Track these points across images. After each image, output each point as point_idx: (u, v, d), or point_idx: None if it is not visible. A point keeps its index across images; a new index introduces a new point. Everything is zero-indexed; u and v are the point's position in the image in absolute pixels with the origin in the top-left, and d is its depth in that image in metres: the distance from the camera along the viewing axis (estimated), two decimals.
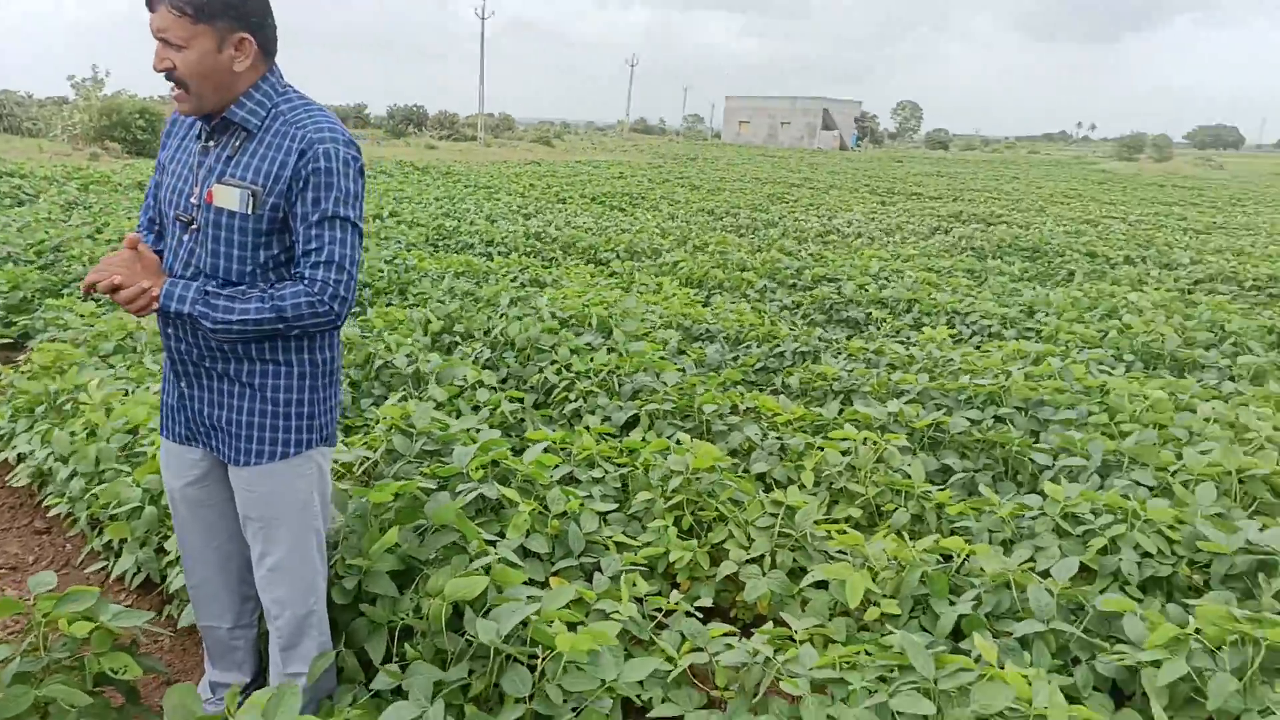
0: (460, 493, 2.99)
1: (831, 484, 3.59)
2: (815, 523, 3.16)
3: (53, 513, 3.61)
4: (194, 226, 2.06)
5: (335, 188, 2.00)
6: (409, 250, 8.79)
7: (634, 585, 2.72)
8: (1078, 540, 2.87)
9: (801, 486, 3.57)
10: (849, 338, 6.46)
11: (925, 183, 25.87)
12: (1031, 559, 2.83)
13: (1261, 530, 2.77)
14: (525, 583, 2.58)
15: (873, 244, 11.64)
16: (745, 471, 3.79)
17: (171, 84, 1.97)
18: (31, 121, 30.52)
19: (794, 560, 3.03)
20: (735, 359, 5.63)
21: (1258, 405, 4.53)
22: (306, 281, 1.99)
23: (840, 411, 4.38)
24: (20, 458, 3.99)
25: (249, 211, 1.99)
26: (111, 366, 4.72)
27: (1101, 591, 2.66)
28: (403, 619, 2.34)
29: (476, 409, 4.17)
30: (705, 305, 7.00)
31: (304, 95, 2.09)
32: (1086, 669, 2.33)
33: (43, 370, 4.52)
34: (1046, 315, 6.57)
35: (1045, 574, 2.73)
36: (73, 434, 3.72)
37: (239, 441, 2.15)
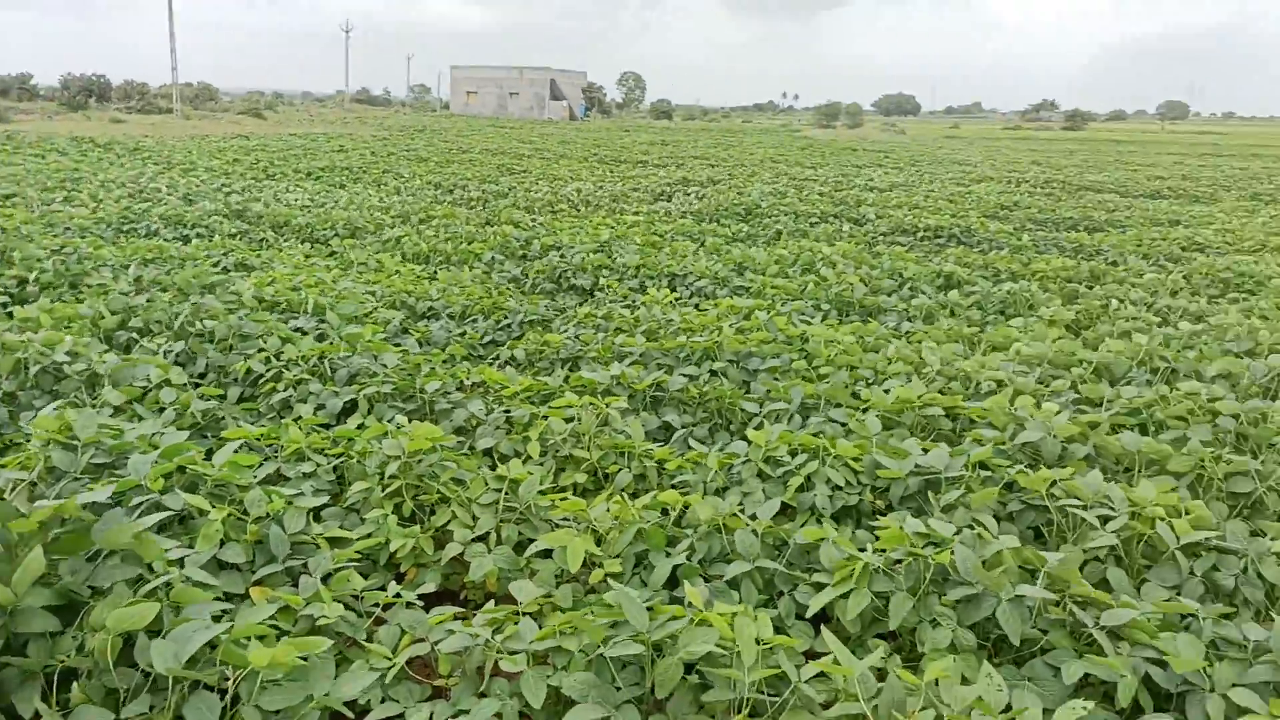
0: (139, 507, 2.67)
1: (557, 452, 3.60)
2: (540, 493, 3.15)
3: None
4: None
5: None
6: (82, 237, 7.76)
7: (348, 582, 2.57)
8: (778, 481, 3.07)
9: (527, 459, 3.55)
10: (579, 305, 6.53)
11: (651, 151, 26.78)
12: (740, 503, 3.00)
13: (925, 453, 3.10)
14: (219, 598, 2.34)
15: (599, 211, 11.85)
16: (471, 449, 3.71)
17: None
18: None
19: (519, 533, 3.01)
20: (463, 334, 5.51)
21: (928, 341, 5.12)
22: None
23: (566, 379, 4.41)
24: None
25: None
26: None
27: (802, 525, 2.87)
28: (62, 661, 2.03)
29: (161, 410, 3.75)
30: (431, 281, 6.78)
31: None
32: (789, 600, 2.50)
33: None
34: (755, 273, 7.01)
35: (754, 517, 2.90)
36: None
37: None
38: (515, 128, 44.21)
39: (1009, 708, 1.97)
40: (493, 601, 2.65)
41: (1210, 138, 56.47)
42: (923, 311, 6.11)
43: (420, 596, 2.62)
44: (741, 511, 2.93)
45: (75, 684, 2.02)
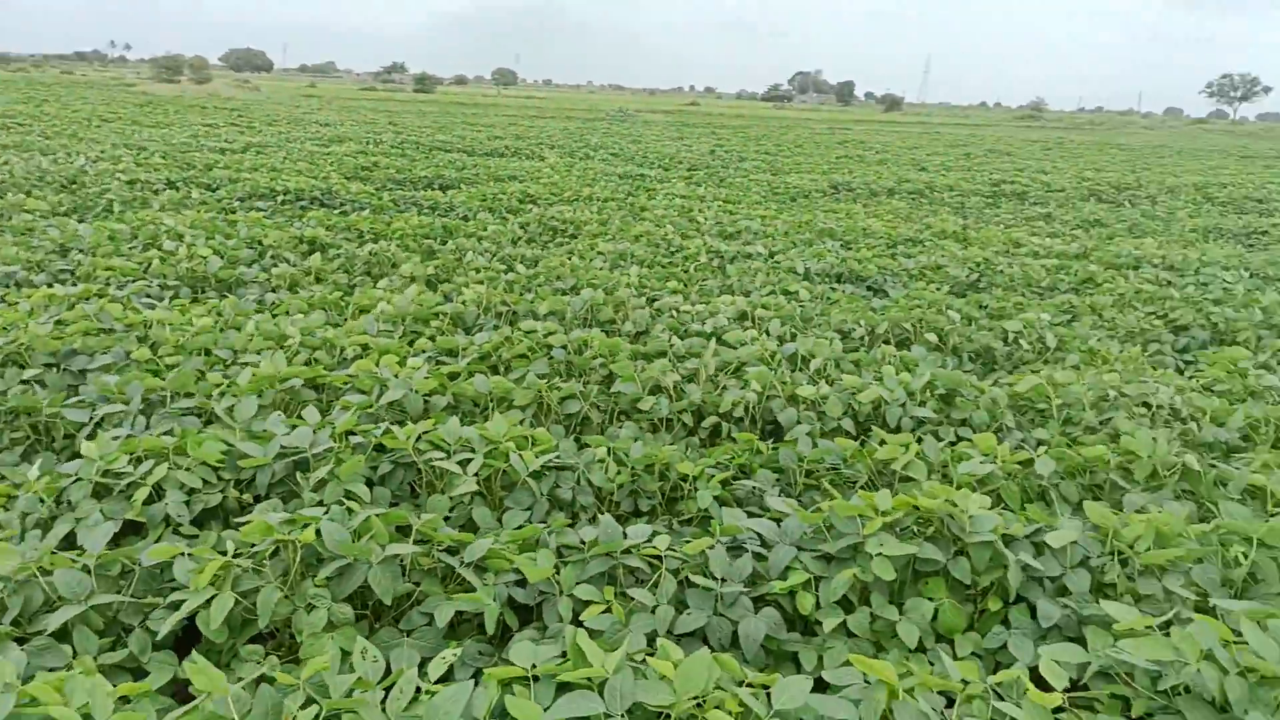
0: None
1: None
2: None
3: None
4: None
5: None
6: None
7: None
8: (121, 497, 2.68)
9: None
10: None
11: None
12: (71, 532, 2.54)
13: (290, 432, 3.00)
14: None
15: None
16: None
17: None
18: None
19: None
20: None
21: (295, 313, 4.95)
22: None
23: None
24: None
25: None
26: None
27: (156, 542, 2.55)
28: None
29: None
30: None
31: None
32: (143, 633, 2.20)
33: None
34: (82, 253, 6.01)
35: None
36: None
37: None
38: None
39: (388, 673, 2.01)
40: None
41: (536, 101, 64.85)
42: (286, 280, 5.90)
43: None
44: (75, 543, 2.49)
45: None
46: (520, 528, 2.79)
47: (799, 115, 65.70)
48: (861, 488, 3.21)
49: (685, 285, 6.38)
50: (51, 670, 1.99)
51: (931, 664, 2.29)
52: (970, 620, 2.50)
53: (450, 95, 73.43)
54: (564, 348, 4.50)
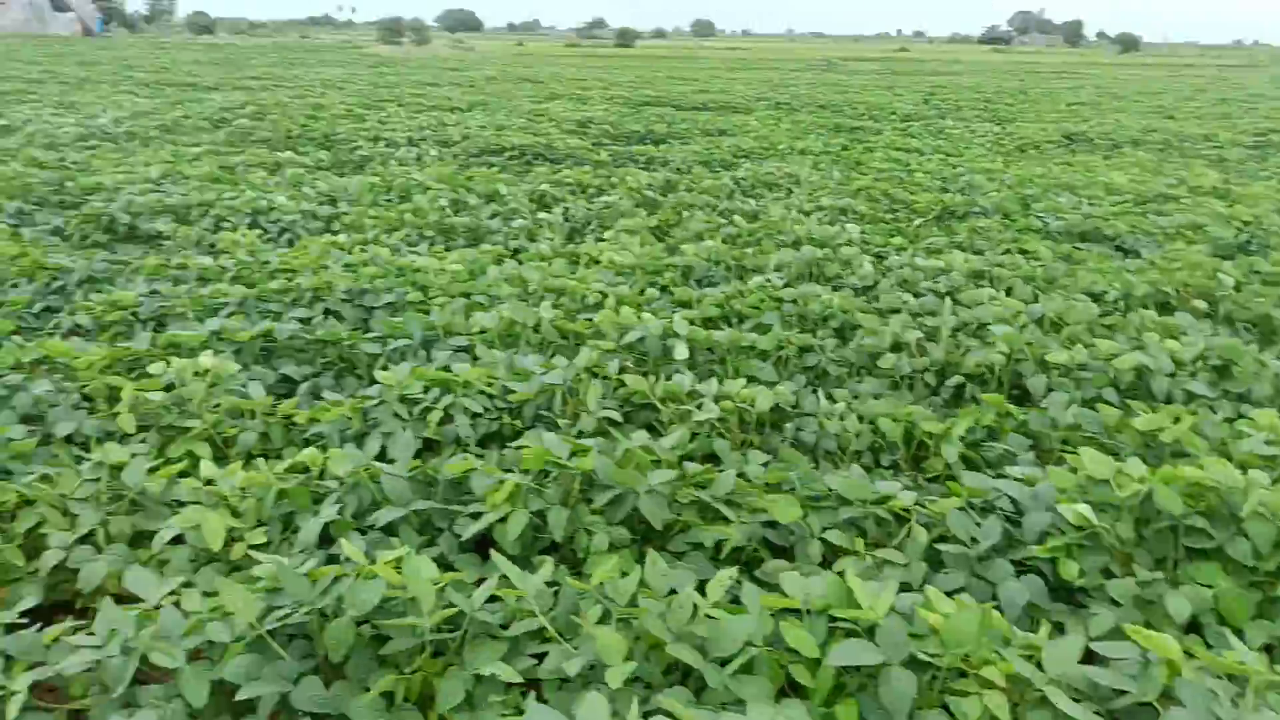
0: None
1: (159, 424, 3.19)
2: (149, 473, 2.79)
3: None
4: None
5: None
6: None
7: None
8: (417, 419, 3.04)
9: (124, 437, 3.11)
10: (144, 255, 5.72)
11: (199, 72, 23.81)
12: (383, 447, 2.92)
13: (545, 373, 3.27)
14: None
15: (150, 145, 10.37)
16: (48, 438, 3.15)
17: None
18: None
19: (133, 525, 2.65)
20: (13, 305, 4.56)
21: (535, 261, 5.31)
22: None
23: (154, 342, 3.88)
24: None
25: None
26: None
27: (449, 458, 2.88)
28: None
29: None
30: None
31: None
32: (449, 535, 2.52)
33: None
34: (349, 204, 6.67)
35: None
36: None
37: None
38: (6, 47, 36.51)
39: (673, 591, 2.20)
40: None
41: (736, 53, 64.12)
42: (524, 233, 6.29)
43: (26, 613, 2.22)
44: (385, 455, 2.87)
45: None
46: (766, 465, 2.91)
47: (1023, 59, 61.22)
48: None
49: (911, 242, 6.24)
50: None
51: (1210, 645, 2.20)
52: (1258, 607, 2.37)
53: (651, 49, 73.99)
54: (794, 301, 4.56)
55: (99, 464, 2.74)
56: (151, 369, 3.35)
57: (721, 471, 2.72)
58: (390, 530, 2.49)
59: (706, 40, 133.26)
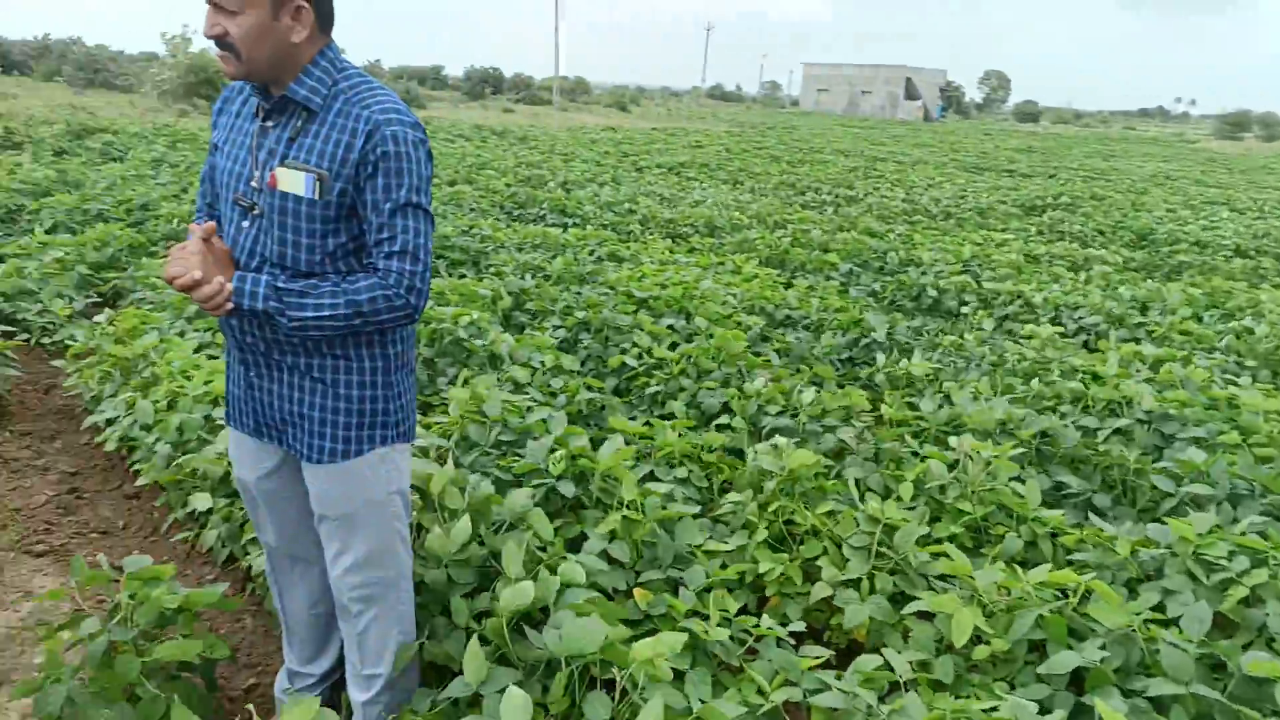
0: (539, 487, 2.90)
1: (931, 498, 3.35)
2: (917, 543, 2.93)
3: (140, 481, 3.60)
4: (255, 212, 1.95)
5: (406, 173, 1.88)
6: (484, 219, 8.69)
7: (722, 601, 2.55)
8: (1214, 588, 2.59)
9: (899, 500, 3.33)
10: (939, 331, 6.13)
11: (1017, 159, 24.84)
12: (1160, 604, 2.56)
13: None
14: (600, 590, 2.47)
15: (962, 226, 11.14)
16: (838, 476, 3.57)
17: (221, 50, 1.83)
18: (124, 77, 31.33)
19: (894, 584, 2.82)
20: (826, 352, 5.35)
21: None
22: (380, 273, 1.89)
23: (940, 408, 4.10)
24: (109, 422, 3.99)
25: (316, 196, 1.88)
26: (198, 331, 4.71)
27: (1244, 649, 2.39)
28: (479, 629, 2.24)
29: (554, 395, 4.02)
30: (787, 288, 6.71)
31: (362, 72, 1.97)
32: None
33: (127, 334, 4.52)
34: (1160, 314, 6.11)
35: (1168, 624, 2.46)
36: (155, 403, 3.69)
37: (311, 438, 2.04)
38: (866, 128, 43.24)
39: None
40: (863, 654, 2.49)
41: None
42: None
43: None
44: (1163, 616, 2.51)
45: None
46: None
47: None
48: None
49: None
50: None
51: None
52: None
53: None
54: None
55: (874, 519, 2.98)
56: (938, 442, 3.53)
57: None
58: (1160, 706, 2.16)
59: None
